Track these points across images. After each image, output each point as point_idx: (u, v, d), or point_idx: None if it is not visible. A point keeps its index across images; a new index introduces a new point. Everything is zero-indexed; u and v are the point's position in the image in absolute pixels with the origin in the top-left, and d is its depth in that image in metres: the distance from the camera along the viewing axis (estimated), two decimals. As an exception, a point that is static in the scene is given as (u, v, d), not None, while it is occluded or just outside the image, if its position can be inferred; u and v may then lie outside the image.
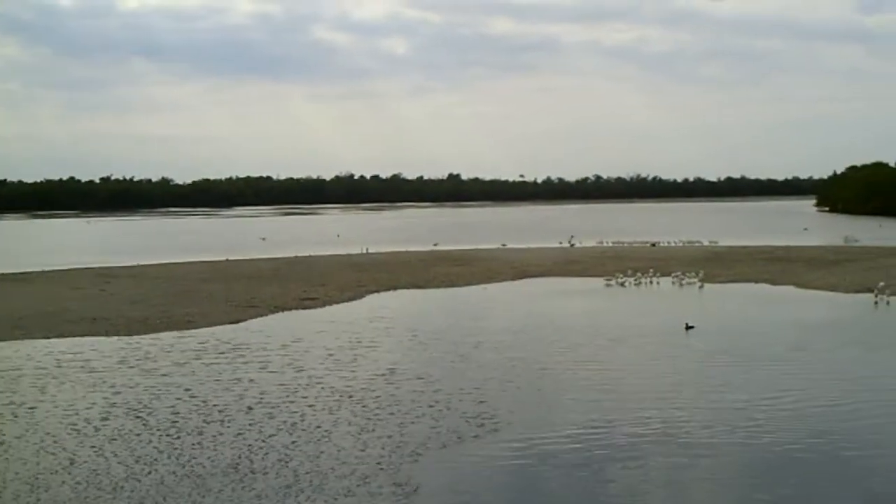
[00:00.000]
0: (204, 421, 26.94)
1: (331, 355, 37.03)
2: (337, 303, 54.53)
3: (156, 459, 23.09)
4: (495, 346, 38.81)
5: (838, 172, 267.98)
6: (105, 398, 29.98)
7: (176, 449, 24.02)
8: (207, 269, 76.91)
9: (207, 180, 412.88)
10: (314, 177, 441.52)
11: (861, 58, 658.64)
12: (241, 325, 45.91)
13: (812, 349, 36.98)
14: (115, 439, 25.09)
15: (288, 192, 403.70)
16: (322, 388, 31.07)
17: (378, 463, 22.55)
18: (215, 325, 45.58)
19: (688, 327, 41.82)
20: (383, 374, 33.13)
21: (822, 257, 77.75)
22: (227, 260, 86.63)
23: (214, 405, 28.83)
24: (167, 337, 42.15)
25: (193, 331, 43.78)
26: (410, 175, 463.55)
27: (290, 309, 51.58)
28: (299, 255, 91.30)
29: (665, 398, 28.78)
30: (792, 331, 41.63)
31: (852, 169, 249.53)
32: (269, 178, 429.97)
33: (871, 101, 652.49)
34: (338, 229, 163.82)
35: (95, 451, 23.88)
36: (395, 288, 62.42)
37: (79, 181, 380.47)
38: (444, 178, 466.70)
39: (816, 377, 31.59)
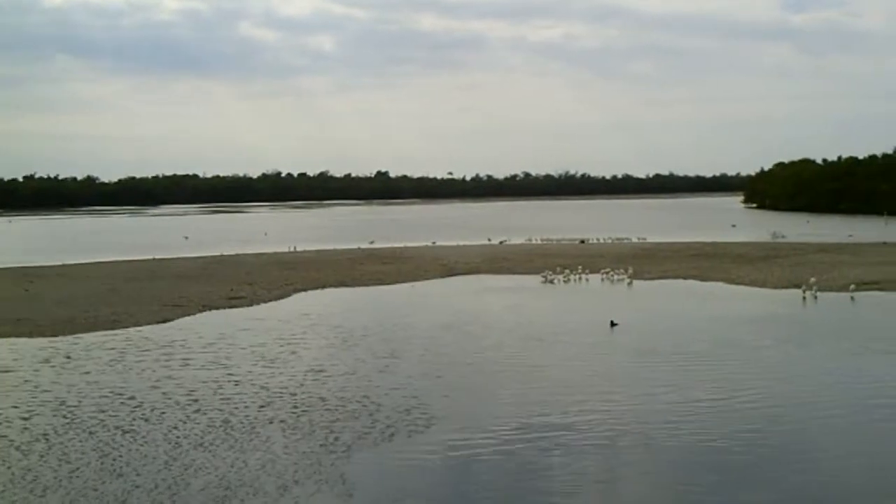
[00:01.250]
0: (133, 420, 26.75)
1: (259, 354, 36.94)
2: (265, 301, 54.34)
3: (84, 459, 22.91)
4: (424, 343, 38.97)
5: (766, 169, 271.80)
6: (30, 399, 29.59)
7: (105, 449, 23.82)
8: (134, 268, 76.09)
9: (133, 178, 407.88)
10: (241, 175, 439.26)
11: (788, 55, 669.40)
12: (169, 324, 45.57)
13: (739, 345, 37.32)
14: (39, 440, 24.82)
15: (215, 191, 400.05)
16: (252, 386, 31.02)
17: (311, 461, 22.60)
18: (142, 324, 45.18)
19: (612, 325, 42.20)
20: (312, 372, 33.14)
21: (750, 253, 78.92)
22: (154, 259, 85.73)
23: (143, 404, 28.62)
24: (94, 337, 41.68)
25: (120, 330, 43.34)
26: (338, 172, 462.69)
27: (217, 308, 51.29)
28: (227, 253, 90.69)
29: (589, 396, 29.00)
30: (720, 326, 42.14)
31: (780, 165, 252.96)
32: (195, 176, 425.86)
33: (798, 99, 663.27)
34: (265, 227, 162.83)
35: (21, 452, 23.62)
36: (323, 286, 62.32)
37: (1, 179, 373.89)
38: (373, 175, 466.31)
39: (743, 373, 31.92)
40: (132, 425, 26.15)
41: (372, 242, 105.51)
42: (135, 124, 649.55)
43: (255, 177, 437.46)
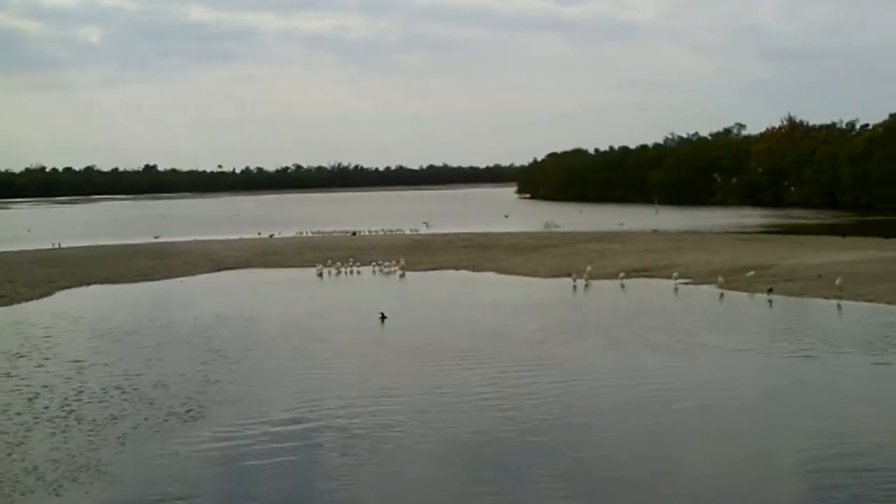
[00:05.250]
0: None
1: (21, 354, 36.06)
2: (26, 300, 52.81)
3: None
4: (191, 339, 38.96)
5: (539, 160, 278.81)
6: None
7: None
8: None
9: None
10: (3, 170, 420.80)
11: (559, 47, 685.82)
12: (-78, 326, 43.97)
13: (507, 336, 37.61)
14: None
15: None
16: (15, 385, 30.50)
17: (82, 458, 22.42)
18: None
19: (382, 318, 42.18)
20: (78, 369, 32.79)
21: (522, 243, 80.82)
22: None
23: None
24: None
25: None
26: (106, 167, 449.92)
27: (-26, 308, 49.69)
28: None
29: (357, 391, 29.15)
30: (489, 317, 42.72)
31: (552, 156, 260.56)
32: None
33: (571, 90, 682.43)
34: (28, 224, 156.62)
35: None
36: (88, 283, 61.03)
37: None
38: (141, 169, 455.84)
39: (506, 365, 32.09)
40: None
41: (157, 237, 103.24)
42: None
43: (17, 172, 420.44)
